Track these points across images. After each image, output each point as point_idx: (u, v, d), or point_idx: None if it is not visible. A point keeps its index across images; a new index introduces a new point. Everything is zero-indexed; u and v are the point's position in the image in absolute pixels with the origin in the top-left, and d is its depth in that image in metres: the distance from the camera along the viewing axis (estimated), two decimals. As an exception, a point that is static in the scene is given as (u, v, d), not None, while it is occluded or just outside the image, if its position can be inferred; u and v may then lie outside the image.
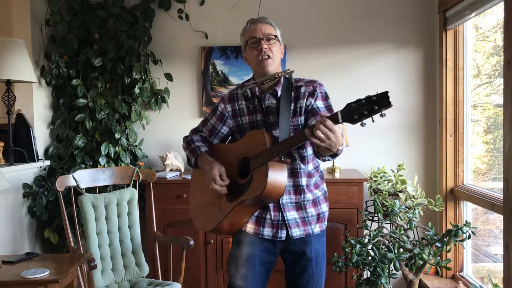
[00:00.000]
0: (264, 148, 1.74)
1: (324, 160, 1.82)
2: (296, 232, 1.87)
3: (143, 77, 3.28)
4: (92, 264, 2.22)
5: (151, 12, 3.34)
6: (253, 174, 1.79)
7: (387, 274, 2.47)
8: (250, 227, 1.90)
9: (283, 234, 1.87)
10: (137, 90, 3.24)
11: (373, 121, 1.52)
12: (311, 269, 1.89)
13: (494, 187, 2.91)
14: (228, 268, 1.94)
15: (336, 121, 1.55)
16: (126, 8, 3.32)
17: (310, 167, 1.91)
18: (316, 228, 1.91)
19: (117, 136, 3.21)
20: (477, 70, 3.18)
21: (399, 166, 3.10)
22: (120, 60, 3.26)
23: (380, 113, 1.48)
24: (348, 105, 1.54)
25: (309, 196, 1.89)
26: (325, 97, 1.89)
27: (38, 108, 3.15)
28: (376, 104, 1.48)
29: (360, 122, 1.52)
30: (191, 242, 2.47)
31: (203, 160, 1.93)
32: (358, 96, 1.59)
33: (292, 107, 1.85)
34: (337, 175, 3.07)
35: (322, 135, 1.53)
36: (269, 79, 1.85)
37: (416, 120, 3.38)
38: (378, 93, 1.49)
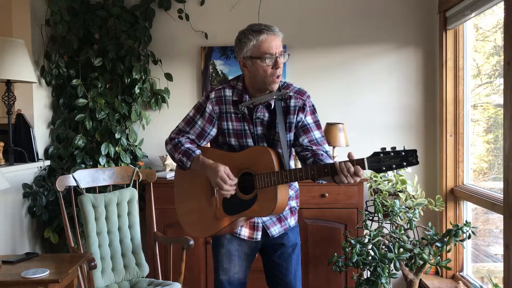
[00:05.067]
0: (272, 169, 1.74)
1: (317, 182, 1.83)
2: (275, 230, 1.95)
3: (143, 77, 3.28)
4: (92, 264, 2.22)
5: (151, 12, 3.34)
6: (258, 193, 1.79)
7: (387, 274, 2.47)
8: None
9: (258, 235, 1.94)
10: (137, 90, 3.24)
11: (397, 173, 1.63)
12: (290, 259, 1.97)
13: (494, 187, 2.91)
14: (214, 264, 2.03)
15: (362, 168, 1.61)
16: (126, 8, 3.32)
17: None
18: (292, 221, 1.99)
19: (117, 136, 3.21)
20: (477, 70, 3.18)
21: (399, 166, 3.09)
22: (120, 60, 3.26)
23: (406, 168, 1.57)
24: (376, 154, 1.60)
25: None
26: (313, 111, 1.91)
27: (38, 108, 3.15)
28: (405, 160, 1.56)
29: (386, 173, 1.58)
30: (191, 242, 2.47)
31: (201, 163, 1.85)
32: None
33: (284, 122, 1.86)
34: (337, 175, 3.07)
35: (351, 180, 1.62)
36: (267, 100, 1.82)
37: (416, 120, 3.38)
38: (406, 149, 1.57)
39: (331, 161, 1.74)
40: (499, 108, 2.83)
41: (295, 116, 1.86)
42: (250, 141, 1.89)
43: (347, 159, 1.65)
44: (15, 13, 3.06)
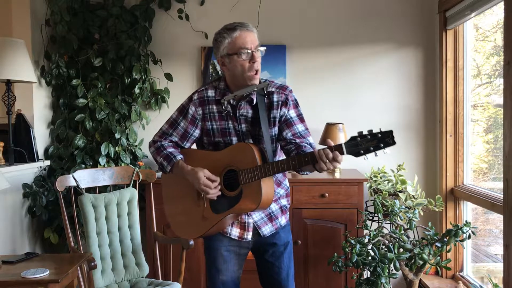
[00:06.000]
0: (254, 164, 1.76)
1: (302, 174, 1.86)
2: (267, 229, 1.96)
3: (143, 77, 3.28)
4: (92, 264, 2.22)
5: (151, 12, 3.34)
6: (243, 188, 1.80)
7: (387, 274, 2.47)
8: None
9: (249, 236, 1.95)
10: (137, 90, 3.24)
11: (376, 155, 1.60)
12: (282, 258, 1.98)
13: (494, 187, 2.91)
14: (206, 265, 2.04)
15: (341, 153, 1.62)
16: (126, 8, 3.32)
17: None
18: (283, 220, 2.00)
19: (117, 136, 3.21)
20: (477, 70, 3.18)
21: (399, 166, 3.10)
22: (120, 60, 3.26)
23: (384, 150, 1.57)
24: (353, 138, 1.61)
25: None
26: (296, 105, 1.93)
27: (38, 108, 3.15)
28: (381, 141, 1.57)
29: (365, 156, 1.60)
30: (191, 242, 2.47)
31: (181, 169, 1.88)
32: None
33: (267, 117, 1.87)
34: (337, 175, 3.07)
35: (331, 166, 1.63)
36: (249, 92, 1.83)
37: (416, 120, 3.38)
38: (382, 130, 1.58)
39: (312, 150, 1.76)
40: (499, 108, 2.83)
41: (278, 111, 1.88)
42: (234, 139, 1.90)
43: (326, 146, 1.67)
44: (15, 13, 3.06)
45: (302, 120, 1.92)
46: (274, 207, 1.97)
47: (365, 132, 1.60)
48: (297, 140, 1.87)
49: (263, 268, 2.03)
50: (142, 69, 3.27)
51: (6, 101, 2.85)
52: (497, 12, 2.85)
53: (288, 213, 2.05)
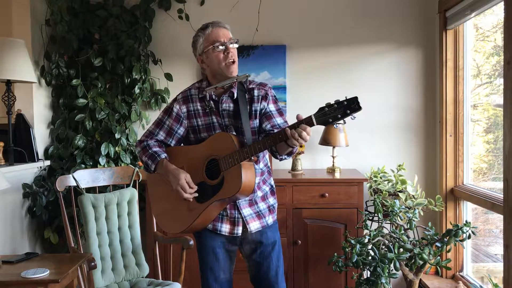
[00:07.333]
0: (233, 149, 1.83)
1: (281, 159, 1.94)
2: (254, 226, 2.00)
3: (143, 77, 3.28)
4: (92, 264, 2.22)
5: (151, 12, 3.34)
6: (224, 175, 1.86)
7: (387, 274, 2.47)
8: (209, 224, 2.00)
9: (239, 231, 1.99)
10: (137, 90, 3.24)
11: (344, 122, 1.67)
12: (270, 257, 2.03)
13: (494, 187, 2.91)
14: (199, 264, 2.07)
15: (311, 125, 1.69)
16: (126, 8, 3.32)
17: (261, 165, 2.02)
18: (270, 219, 2.05)
19: (117, 136, 3.22)
20: (477, 70, 3.18)
21: (399, 166, 3.10)
22: (120, 60, 3.26)
23: (351, 116, 1.64)
24: (321, 109, 1.68)
25: (258, 192, 2.01)
26: (275, 100, 2.02)
27: (38, 108, 3.15)
28: (348, 108, 1.64)
29: (334, 124, 1.67)
30: (191, 242, 2.47)
31: (165, 167, 1.95)
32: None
33: (247, 110, 1.95)
34: (337, 175, 3.08)
35: (302, 141, 1.70)
36: (229, 83, 1.92)
37: (416, 120, 3.38)
38: (348, 98, 1.65)
39: None
40: (499, 109, 2.83)
41: (259, 104, 1.97)
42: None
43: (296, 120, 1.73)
44: (15, 13, 3.06)
45: (281, 114, 2.00)
46: (262, 206, 2.03)
47: (332, 102, 1.67)
48: (275, 131, 1.92)
49: (253, 268, 2.06)
50: (142, 69, 3.27)
51: (6, 101, 2.85)
52: (497, 12, 2.85)
53: (275, 213, 2.09)
